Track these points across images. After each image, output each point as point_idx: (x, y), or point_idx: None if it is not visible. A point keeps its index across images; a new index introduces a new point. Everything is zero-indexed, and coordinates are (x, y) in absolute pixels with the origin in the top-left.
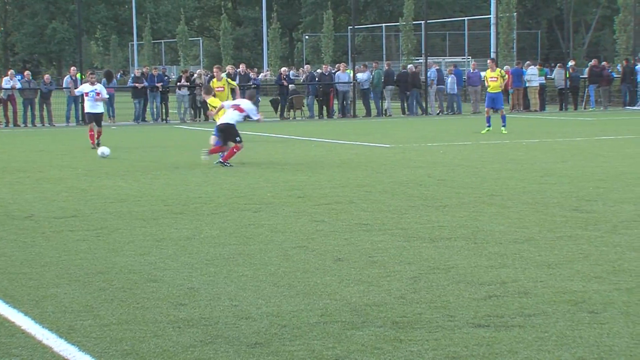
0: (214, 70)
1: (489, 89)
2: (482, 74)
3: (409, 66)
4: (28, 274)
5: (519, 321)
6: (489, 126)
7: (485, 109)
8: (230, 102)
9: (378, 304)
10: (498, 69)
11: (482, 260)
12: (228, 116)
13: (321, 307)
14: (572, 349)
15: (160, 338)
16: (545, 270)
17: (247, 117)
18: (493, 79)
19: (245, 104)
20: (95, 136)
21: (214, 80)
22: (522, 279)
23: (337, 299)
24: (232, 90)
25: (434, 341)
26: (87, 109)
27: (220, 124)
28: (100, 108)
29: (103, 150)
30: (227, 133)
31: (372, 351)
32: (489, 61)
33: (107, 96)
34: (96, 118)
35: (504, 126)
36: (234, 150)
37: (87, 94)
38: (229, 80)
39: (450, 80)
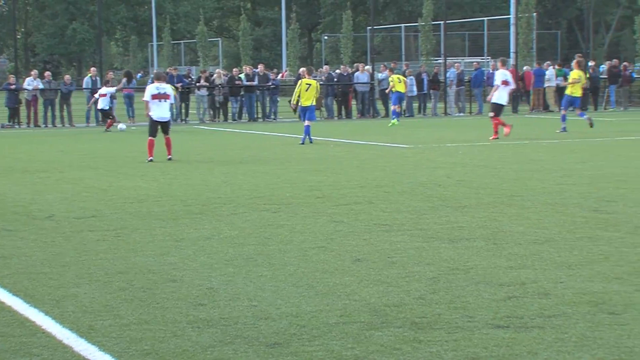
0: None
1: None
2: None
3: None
4: (48, 273)
5: (538, 322)
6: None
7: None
8: None
9: (397, 305)
10: (397, 76)
11: (501, 261)
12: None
13: (340, 308)
14: (592, 350)
15: (179, 338)
16: (565, 271)
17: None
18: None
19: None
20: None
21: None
22: (542, 280)
23: (356, 299)
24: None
25: (453, 342)
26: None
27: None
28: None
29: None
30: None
31: (391, 352)
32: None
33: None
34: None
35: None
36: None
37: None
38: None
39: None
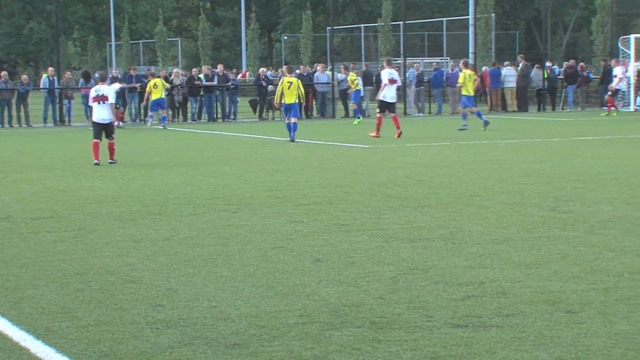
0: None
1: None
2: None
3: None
4: (5, 275)
5: (497, 321)
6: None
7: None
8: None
9: (357, 305)
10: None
11: (460, 260)
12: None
13: (300, 308)
14: (550, 349)
15: (138, 339)
16: (523, 271)
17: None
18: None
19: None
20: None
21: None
22: (500, 279)
23: (315, 299)
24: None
25: (412, 341)
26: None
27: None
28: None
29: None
30: None
31: (351, 352)
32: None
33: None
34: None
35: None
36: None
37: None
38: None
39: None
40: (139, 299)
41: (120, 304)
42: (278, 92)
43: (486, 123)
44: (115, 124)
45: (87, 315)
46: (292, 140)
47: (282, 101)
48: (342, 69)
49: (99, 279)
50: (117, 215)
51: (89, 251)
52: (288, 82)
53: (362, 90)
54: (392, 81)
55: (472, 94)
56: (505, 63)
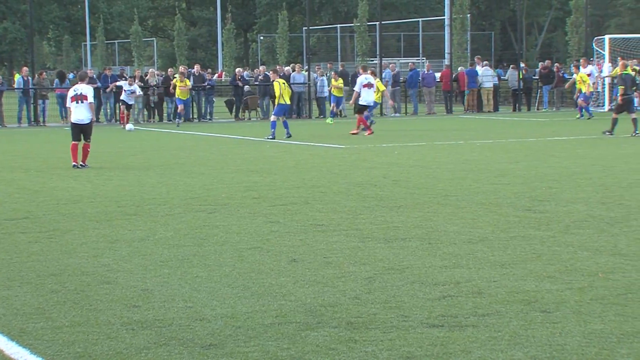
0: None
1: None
2: (437, 74)
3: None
4: None
5: (472, 321)
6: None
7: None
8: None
9: (333, 305)
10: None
11: (436, 260)
12: None
13: (276, 308)
14: (525, 348)
15: (113, 340)
16: (499, 270)
17: None
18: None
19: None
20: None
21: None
22: (476, 279)
23: (291, 299)
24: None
25: (388, 341)
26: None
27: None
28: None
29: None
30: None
31: (327, 352)
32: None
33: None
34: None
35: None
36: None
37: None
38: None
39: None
40: (114, 300)
41: (96, 305)
42: (277, 94)
43: (288, 135)
44: (127, 126)
45: (62, 316)
46: (289, 136)
47: (281, 102)
48: (317, 69)
49: (74, 279)
50: (92, 216)
51: (63, 252)
52: (282, 83)
53: (324, 91)
54: (368, 86)
55: (377, 100)
56: (484, 63)
